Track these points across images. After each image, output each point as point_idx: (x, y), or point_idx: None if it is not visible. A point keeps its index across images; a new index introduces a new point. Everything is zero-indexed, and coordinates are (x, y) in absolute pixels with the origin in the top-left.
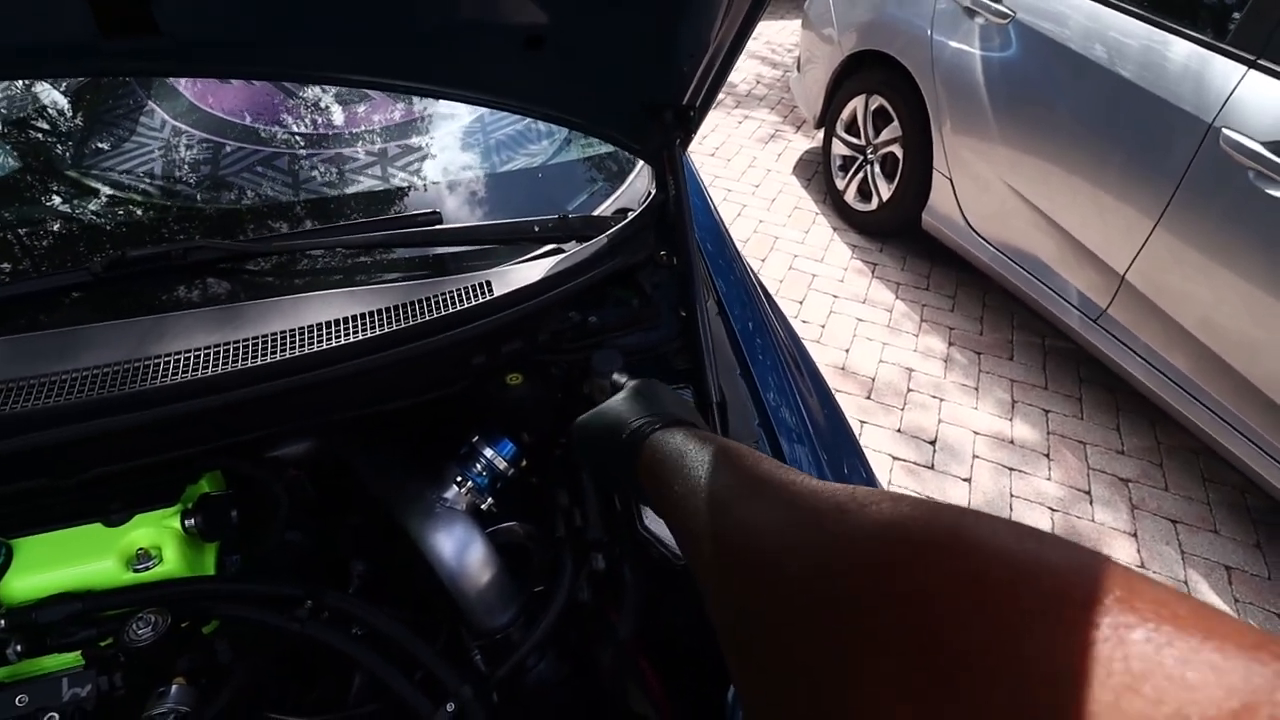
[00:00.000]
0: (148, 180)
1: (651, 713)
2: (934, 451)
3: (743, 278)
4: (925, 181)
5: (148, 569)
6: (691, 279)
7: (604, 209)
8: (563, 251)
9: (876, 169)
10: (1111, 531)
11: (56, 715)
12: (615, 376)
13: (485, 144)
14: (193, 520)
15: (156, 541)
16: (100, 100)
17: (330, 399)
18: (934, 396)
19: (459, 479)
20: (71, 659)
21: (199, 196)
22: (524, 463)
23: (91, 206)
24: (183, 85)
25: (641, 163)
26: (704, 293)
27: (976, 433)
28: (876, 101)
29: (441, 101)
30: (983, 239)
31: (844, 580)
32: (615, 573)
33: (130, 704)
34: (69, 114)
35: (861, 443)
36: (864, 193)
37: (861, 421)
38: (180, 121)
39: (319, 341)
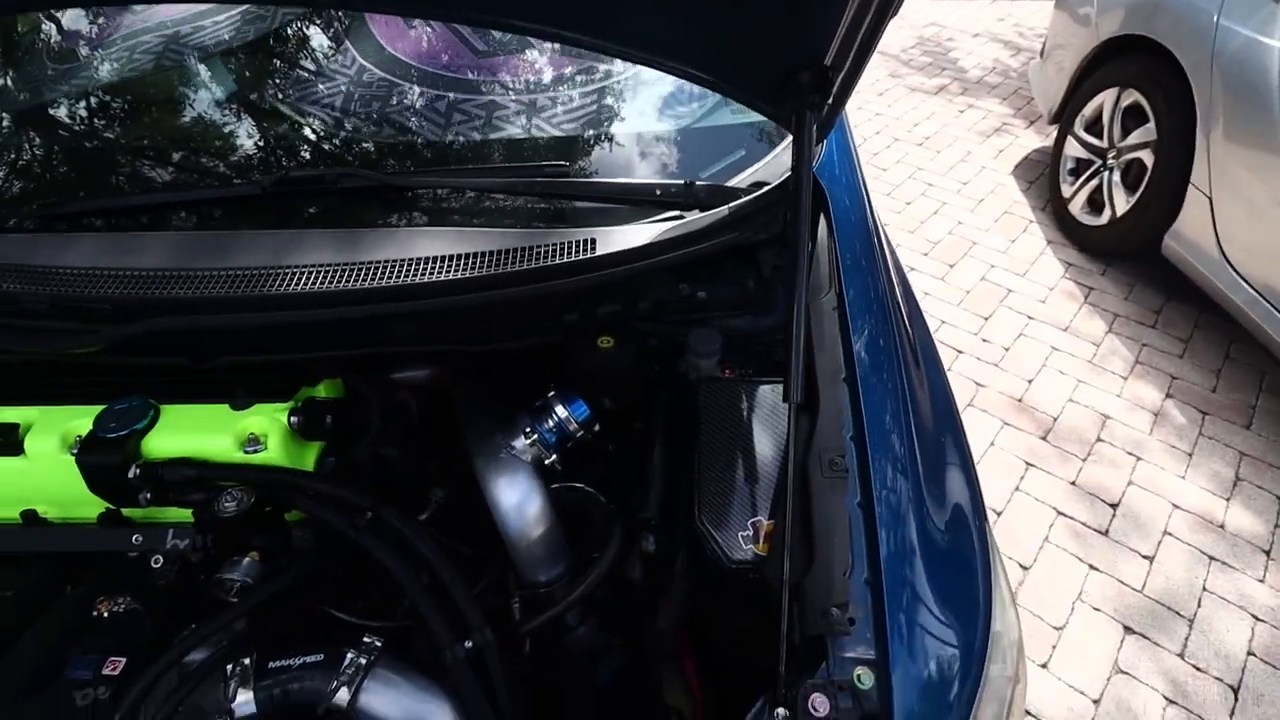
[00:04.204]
0: (325, 111)
1: (685, 707)
2: (1113, 516)
3: (880, 272)
4: (1176, 198)
5: (255, 452)
6: (795, 266)
7: (739, 180)
8: (682, 218)
9: (1115, 177)
10: None
11: (161, 558)
12: None
13: (632, 102)
14: (296, 418)
15: (266, 430)
16: (306, 37)
17: (432, 329)
18: (1129, 454)
19: (528, 429)
20: (186, 515)
21: (363, 129)
22: (596, 427)
23: (277, 129)
24: (376, 28)
25: (790, 137)
26: (826, 282)
27: (1176, 506)
28: (1130, 97)
29: (598, 60)
30: (1240, 277)
31: None
32: (668, 560)
33: (215, 566)
34: (280, 46)
35: (1022, 489)
36: (1095, 204)
37: (1028, 464)
38: (367, 61)
39: (428, 274)
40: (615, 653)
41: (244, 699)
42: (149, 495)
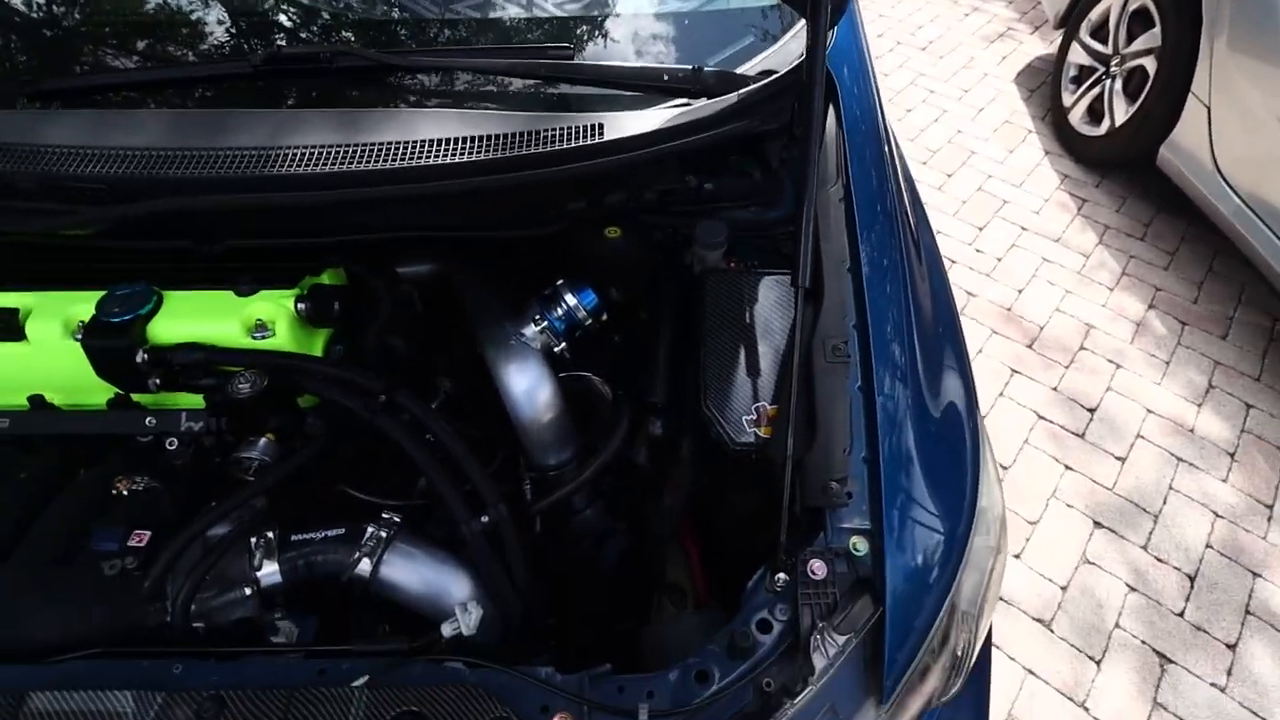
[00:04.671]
0: None
1: (686, 585)
2: (1090, 420)
3: (888, 171)
4: (1176, 106)
5: (263, 338)
6: (809, 139)
7: (748, 67)
8: (689, 105)
9: (1118, 85)
10: None
11: (176, 440)
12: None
13: None
14: (303, 305)
15: (273, 317)
16: None
17: (437, 214)
18: (1110, 361)
19: (537, 317)
20: (197, 400)
21: (356, 6)
22: (604, 316)
23: (266, 2)
24: None
25: (801, 23)
26: (834, 174)
27: (1150, 411)
28: (1138, 0)
29: None
30: (1231, 188)
31: None
32: (674, 445)
33: (231, 449)
34: None
35: (1006, 395)
36: (1094, 113)
37: (1013, 370)
38: None
39: (430, 156)
40: (621, 535)
41: (269, 569)
42: (158, 380)
